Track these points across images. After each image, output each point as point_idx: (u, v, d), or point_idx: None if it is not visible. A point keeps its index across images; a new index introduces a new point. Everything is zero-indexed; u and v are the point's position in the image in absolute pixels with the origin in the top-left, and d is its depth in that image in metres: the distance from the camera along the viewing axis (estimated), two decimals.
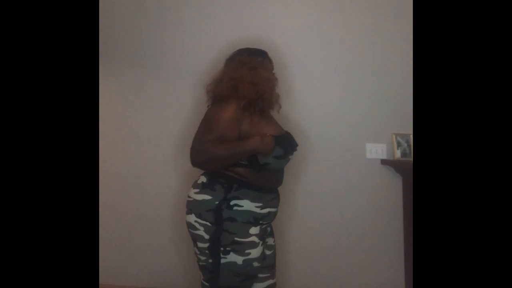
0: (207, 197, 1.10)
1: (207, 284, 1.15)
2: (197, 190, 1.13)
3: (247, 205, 1.12)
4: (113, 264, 1.90)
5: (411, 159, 1.77)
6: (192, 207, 1.13)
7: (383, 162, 1.85)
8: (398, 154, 1.81)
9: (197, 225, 1.10)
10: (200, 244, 1.11)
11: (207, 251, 1.10)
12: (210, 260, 1.10)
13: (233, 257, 1.08)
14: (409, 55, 1.90)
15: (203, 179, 1.16)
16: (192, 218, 1.11)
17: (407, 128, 1.85)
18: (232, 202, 1.10)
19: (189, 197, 1.16)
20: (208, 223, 1.09)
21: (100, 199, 1.93)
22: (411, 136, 1.82)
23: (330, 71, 1.95)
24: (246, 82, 1.18)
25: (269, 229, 1.29)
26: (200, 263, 1.15)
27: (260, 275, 1.23)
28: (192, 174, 1.89)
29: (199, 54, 2.00)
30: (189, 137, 1.92)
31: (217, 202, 1.09)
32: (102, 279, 1.88)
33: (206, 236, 1.09)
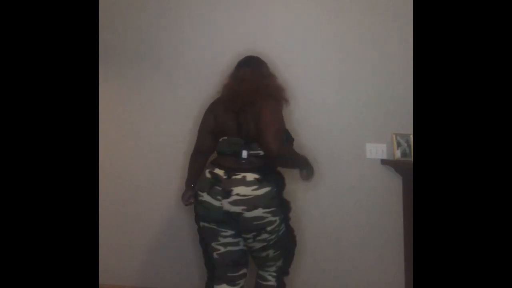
0: (267, 188, 1.24)
1: (277, 252, 1.34)
2: (255, 187, 1.22)
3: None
4: (113, 264, 1.91)
5: (411, 159, 1.77)
6: (256, 202, 1.22)
7: (383, 162, 1.85)
8: (398, 154, 1.81)
9: (265, 214, 1.23)
10: (269, 228, 1.25)
11: (277, 229, 1.28)
12: (280, 233, 1.31)
13: (288, 226, 1.39)
14: (409, 55, 1.90)
15: (254, 176, 1.24)
16: (259, 211, 1.22)
17: (407, 128, 1.85)
18: (282, 188, 1.35)
19: (244, 195, 1.21)
20: (274, 208, 1.25)
21: (100, 199, 1.93)
22: (411, 136, 1.82)
23: (330, 71, 1.95)
24: (278, 85, 1.44)
25: None
26: (268, 243, 1.29)
27: None
28: None
29: (200, 54, 2.00)
30: (189, 138, 1.94)
31: (275, 189, 1.28)
32: (102, 279, 1.88)
33: (274, 218, 1.26)
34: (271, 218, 1.24)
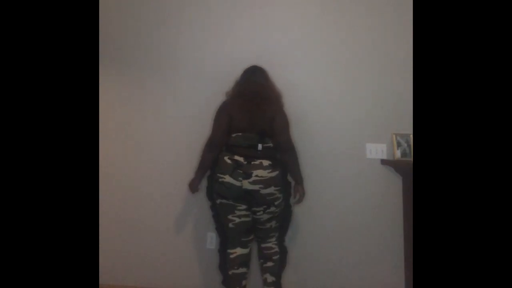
0: (277, 172, 1.55)
1: (278, 224, 1.65)
2: (269, 170, 1.51)
3: None
4: (113, 264, 1.91)
5: (411, 159, 1.77)
6: (270, 182, 1.51)
7: (383, 162, 1.85)
8: (398, 154, 1.81)
9: (275, 192, 1.53)
10: (276, 202, 1.56)
11: (281, 203, 1.60)
12: (282, 207, 1.62)
13: (287, 202, 1.70)
14: (409, 55, 1.91)
15: (268, 162, 1.53)
16: (271, 189, 1.51)
17: (407, 128, 1.85)
18: (286, 172, 1.67)
19: (261, 176, 1.49)
20: (280, 187, 1.56)
21: (100, 199, 1.94)
22: (411, 136, 1.82)
23: (331, 72, 1.95)
24: (279, 91, 1.77)
25: None
26: (274, 215, 1.59)
27: None
28: (191, 175, 1.90)
29: (199, 55, 2.00)
30: (189, 138, 1.94)
31: (282, 173, 1.60)
32: (102, 279, 1.88)
33: (280, 195, 1.56)
34: (278, 194, 1.55)
